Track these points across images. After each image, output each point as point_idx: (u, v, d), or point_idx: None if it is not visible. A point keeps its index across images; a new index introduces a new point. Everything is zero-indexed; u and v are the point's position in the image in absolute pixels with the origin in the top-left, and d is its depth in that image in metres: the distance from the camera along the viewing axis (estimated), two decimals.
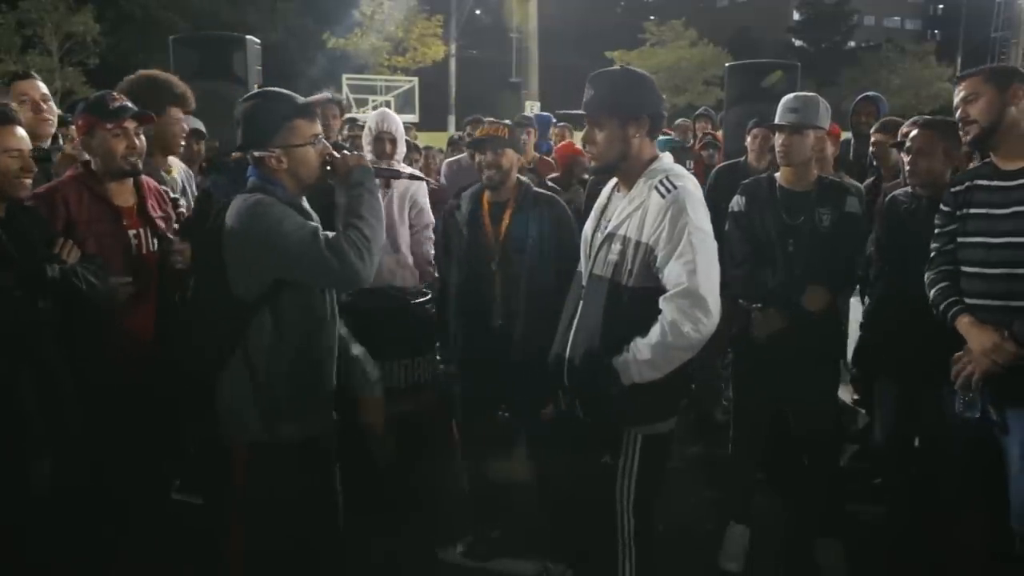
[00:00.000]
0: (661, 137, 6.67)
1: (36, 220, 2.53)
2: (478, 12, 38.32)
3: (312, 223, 2.19)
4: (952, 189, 2.66)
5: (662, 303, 2.21)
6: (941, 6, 53.00)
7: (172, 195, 3.04)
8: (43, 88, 3.15)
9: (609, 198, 2.53)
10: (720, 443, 3.79)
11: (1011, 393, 2.45)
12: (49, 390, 2.39)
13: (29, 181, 2.44)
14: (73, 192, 2.64)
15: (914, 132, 3.07)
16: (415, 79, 24.05)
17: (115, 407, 2.55)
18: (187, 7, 27.45)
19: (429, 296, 3.85)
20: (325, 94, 2.50)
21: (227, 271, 2.18)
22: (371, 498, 3.08)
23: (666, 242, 2.22)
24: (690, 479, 4.03)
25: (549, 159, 5.91)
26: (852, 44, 43.61)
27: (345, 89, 20.70)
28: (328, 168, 2.28)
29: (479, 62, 35.42)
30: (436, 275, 4.06)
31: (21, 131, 2.43)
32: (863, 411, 4.22)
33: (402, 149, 4.05)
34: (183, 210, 3.01)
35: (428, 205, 4.23)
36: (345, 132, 5.48)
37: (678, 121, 8.73)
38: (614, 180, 2.51)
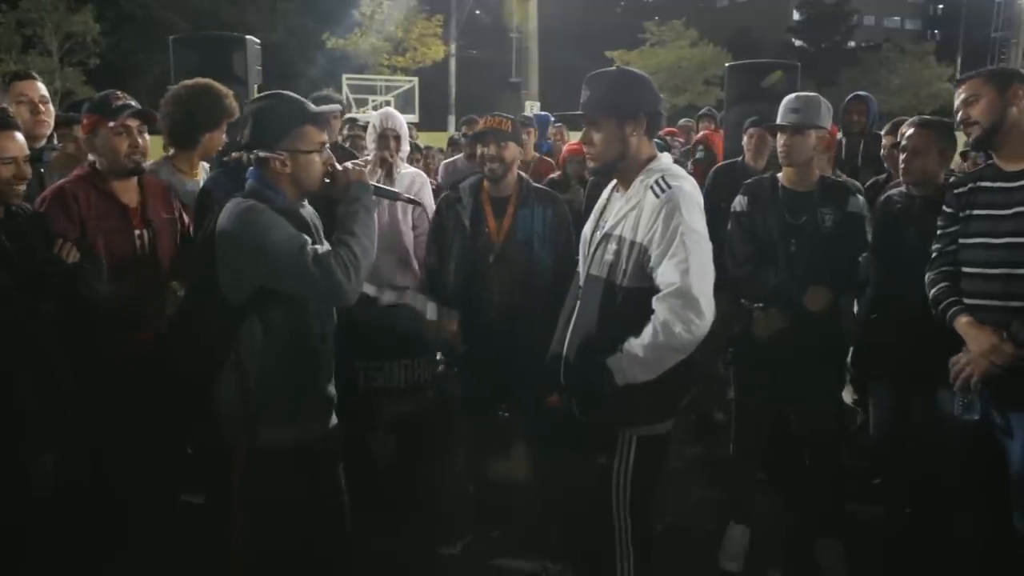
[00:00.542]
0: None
1: (36, 221, 2.53)
2: (478, 12, 38.34)
3: (302, 236, 2.15)
4: (955, 191, 2.66)
5: (655, 303, 2.20)
6: (941, 6, 53.02)
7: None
8: (42, 90, 3.15)
9: (609, 198, 2.53)
10: (720, 443, 3.79)
11: (1013, 396, 2.45)
12: (50, 389, 2.40)
13: (23, 187, 2.44)
14: (81, 191, 2.66)
15: (910, 132, 3.08)
16: (415, 79, 24.04)
17: (116, 407, 2.55)
18: (187, 7, 27.49)
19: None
20: (336, 105, 2.50)
21: (218, 275, 2.16)
22: (371, 498, 3.08)
23: (659, 242, 2.22)
24: (690, 479, 4.03)
25: (549, 159, 5.91)
26: (852, 44, 43.64)
27: (345, 89, 20.68)
28: (328, 180, 2.27)
29: (479, 62, 35.43)
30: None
31: (19, 137, 2.42)
32: (861, 411, 4.23)
33: (406, 147, 4.05)
34: None
35: (433, 204, 4.22)
36: (345, 132, 5.48)
37: (681, 121, 8.73)
38: (615, 180, 2.51)
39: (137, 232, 2.74)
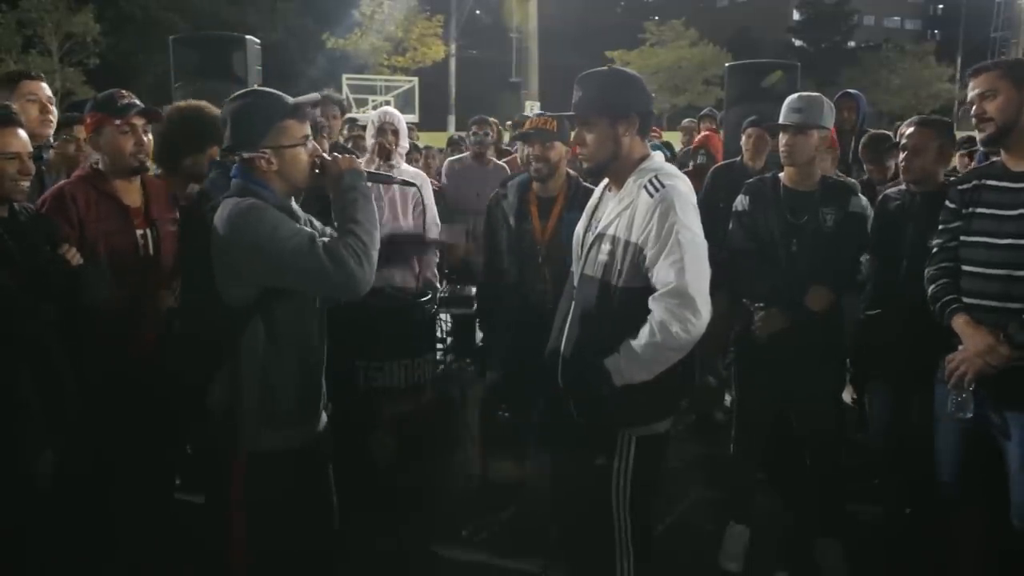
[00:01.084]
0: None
1: (39, 221, 2.53)
2: (478, 12, 38.34)
3: (307, 230, 2.12)
4: (959, 187, 2.62)
5: (651, 303, 2.20)
6: (941, 6, 53.01)
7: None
8: (48, 91, 3.15)
9: (600, 198, 2.52)
10: (720, 443, 3.79)
11: (1010, 395, 2.44)
12: (51, 389, 2.39)
13: (27, 184, 2.44)
14: (81, 191, 2.65)
15: (910, 130, 3.08)
16: (415, 79, 24.04)
17: (116, 406, 2.55)
18: (187, 7, 27.48)
19: (429, 296, 3.85)
20: (315, 94, 2.46)
21: (216, 278, 2.12)
22: (371, 497, 3.08)
23: (654, 241, 2.21)
24: (690, 479, 4.03)
25: None
26: (852, 44, 43.63)
27: (345, 89, 20.68)
28: (318, 171, 2.22)
29: (479, 62, 35.44)
30: (436, 282, 4.06)
31: (22, 133, 2.42)
32: (860, 410, 4.23)
33: (404, 144, 4.06)
34: None
35: (434, 204, 4.23)
36: (346, 132, 5.48)
37: (684, 122, 8.73)
38: (606, 180, 2.50)
39: (140, 232, 2.74)
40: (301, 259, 2.03)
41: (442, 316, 5.10)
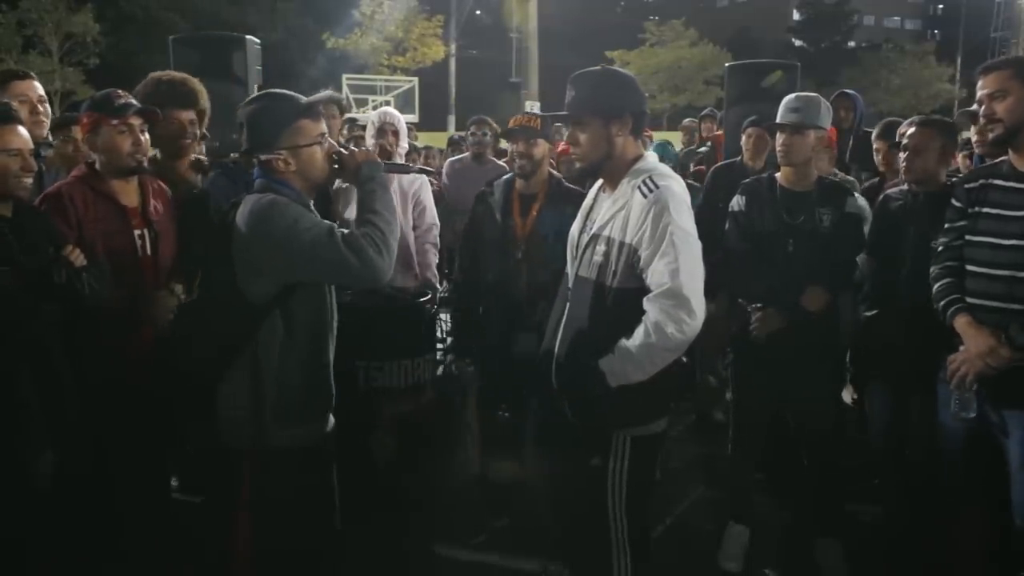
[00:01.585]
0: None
1: (42, 221, 2.53)
2: (478, 12, 38.33)
3: (327, 222, 2.15)
4: (966, 185, 2.61)
5: (646, 304, 2.20)
6: (941, 6, 52.98)
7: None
8: (40, 90, 3.14)
9: (595, 199, 2.52)
10: (720, 443, 3.79)
11: (1009, 396, 2.44)
12: (52, 389, 2.40)
13: (30, 180, 2.44)
14: (78, 192, 2.64)
15: (911, 130, 3.08)
16: (415, 79, 24.02)
17: (115, 406, 2.55)
18: (187, 7, 27.46)
19: (429, 296, 3.85)
20: (327, 92, 2.49)
21: (236, 274, 2.15)
22: (371, 498, 3.08)
23: (648, 242, 2.21)
24: (690, 479, 4.04)
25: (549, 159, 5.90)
26: (852, 44, 43.59)
27: (345, 89, 20.67)
28: (336, 166, 2.27)
29: (479, 62, 35.42)
30: (436, 282, 4.07)
31: (22, 130, 2.43)
32: (860, 410, 4.23)
33: (404, 144, 4.07)
34: None
35: (433, 204, 4.23)
36: (346, 132, 5.48)
37: (685, 121, 8.74)
38: (600, 181, 2.50)
39: (137, 232, 2.73)
40: (321, 249, 2.07)
41: (442, 316, 5.10)
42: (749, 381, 3.26)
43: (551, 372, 2.44)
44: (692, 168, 6.15)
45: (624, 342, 2.20)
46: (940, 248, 2.66)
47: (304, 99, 2.25)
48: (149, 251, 2.76)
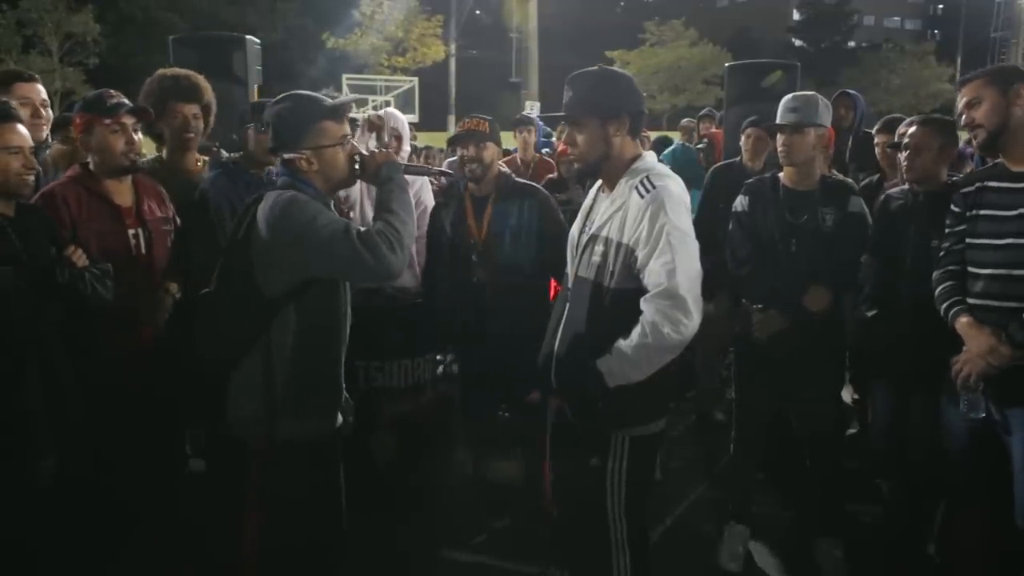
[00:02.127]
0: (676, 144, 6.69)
1: (44, 221, 2.53)
2: (478, 12, 38.33)
3: (343, 219, 2.21)
4: (962, 190, 2.65)
5: (642, 304, 2.20)
6: (941, 6, 53.00)
7: None
8: (43, 94, 3.14)
9: (594, 199, 2.52)
10: (720, 443, 3.79)
11: (1012, 394, 2.45)
12: (54, 389, 2.40)
13: (32, 178, 2.44)
14: (71, 192, 2.64)
15: (912, 129, 3.08)
16: (415, 79, 24.03)
17: (115, 406, 2.55)
18: (187, 7, 27.47)
19: None
20: (354, 95, 2.53)
21: (254, 267, 2.19)
22: (372, 498, 3.08)
23: (645, 242, 2.21)
24: (690, 479, 4.03)
25: (549, 159, 5.91)
26: (852, 44, 43.63)
27: (345, 89, 20.67)
28: (357, 167, 2.31)
29: (479, 62, 35.44)
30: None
31: (22, 129, 2.43)
32: (861, 410, 4.23)
33: (407, 148, 4.06)
34: None
35: (433, 205, 4.23)
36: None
37: (684, 121, 8.74)
38: (599, 181, 2.50)
39: (132, 232, 2.73)
40: (337, 245, 2.11)
41: None
42: (751, 381, 3.25)
43: (550, 372, 2.44)
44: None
45: (621, 343, 2.20)
46: (941, 253, 2.70)
47: (330, 101, 2.29)
48: (144, 250, 2.76)
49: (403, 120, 4.03)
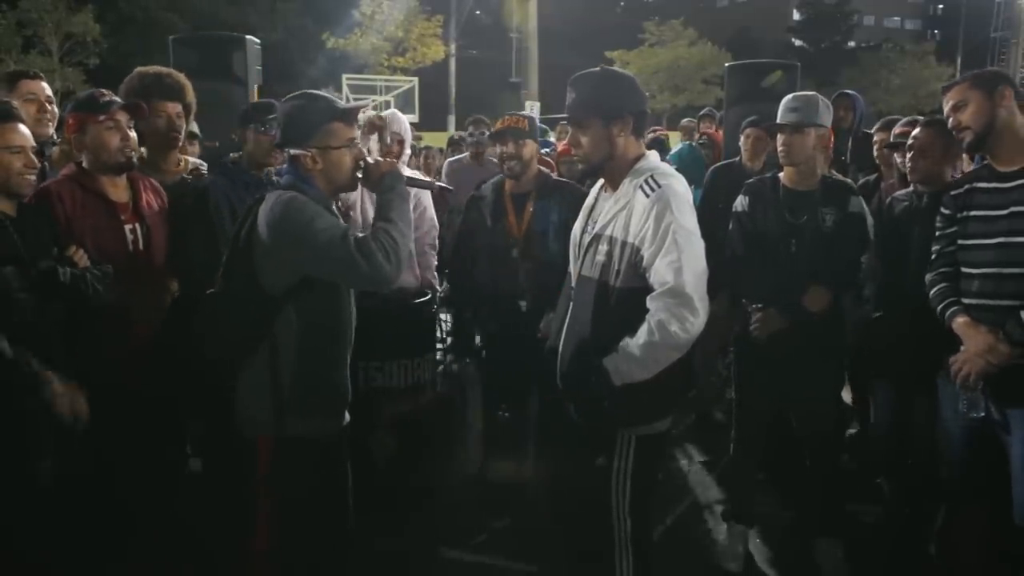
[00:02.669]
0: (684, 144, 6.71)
1: (46, 220, 2.53)
2: (478, 12, 38.31)
3: (342, 224, 2.23)
4: (952, 192, 2.68)
5: (649, 302, 2.20)
6: (941, 6, 52.96)
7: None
8: (48, 90, 3.15)
9: (596, 198, 2.52)
10: (720, 443, 3.79)
11: (1011, 393, 2.45)
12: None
13: (33, 177, 2.44)
14: (66, 190, 2.64)
15: (915, 131, 3.08)
16: (415, 79, 23.99)
17: (115, 405, 2.55)
18: (187, 8, 27.44)
19: (429, 296, 3.85)
20: (365, 101, 2.56)
21: (256, 268, 2.21)
22: (372, 498, 3.08)
23: (651, 241, 2.21)
24: (690, 479, 4.03)
25: (549, 159, 5.91)
26: (852, 44, 43.57)
27: (345, 89, 20.64)
28: (361, 174, 2.33)
29: (479, 62, 35.40)
30: (436, 283, 4.07)
31: (23, 128, 2.43)
32: (859, 411, 4.23)
33: (408, 150, 4.08)
34: None
35: (432, 208, 4.23)
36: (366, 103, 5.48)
37: (683, 121, 8.74)
38: (601, 180, 2.51)
39: (128, 227, 2.73)
40: (333, 250, 2.12)
41: (442, 316, 5.10)
42: (751, 381, 3.25)
43: (555, 372, 2.44)
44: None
45: (628, 341, 2.21)
46: (934, 255, 2.72)
47: (342, 103, 2.32)
48: (142, 246, 2.75)
49: (406, 123, 4.03)
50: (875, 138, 4.12)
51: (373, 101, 20.98)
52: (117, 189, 2.75)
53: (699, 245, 2.25)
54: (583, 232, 2.48)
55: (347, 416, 2.45)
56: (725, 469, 3.62)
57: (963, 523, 2.75)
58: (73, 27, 23.15)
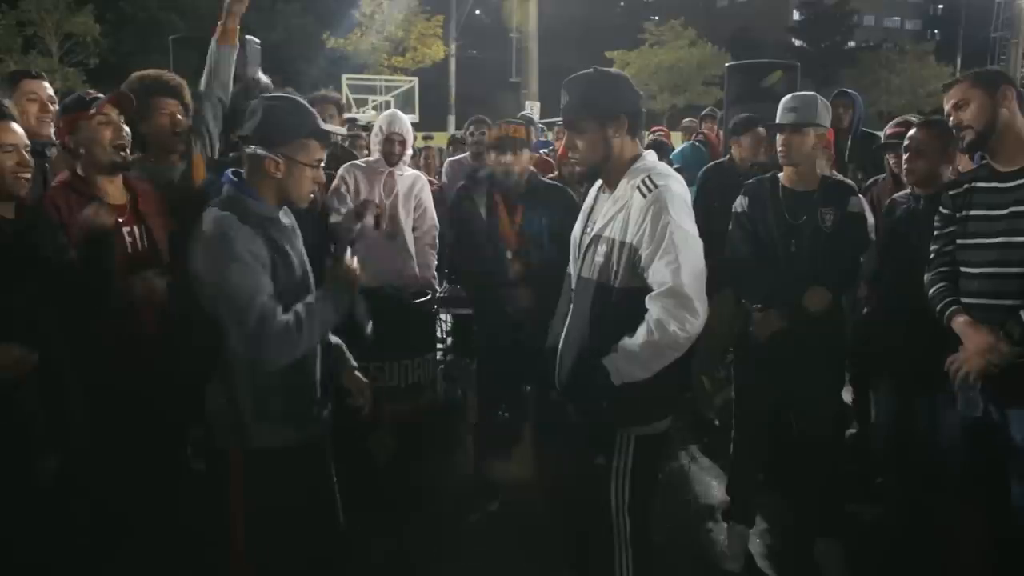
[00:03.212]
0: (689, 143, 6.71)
1: (46, 222, 2.52)
2: (478, 12, 38.30)
3: (259, 283, 2.08)
4: (950, 192, 2.68)
5: (648, 303, 2.20)
6: (941, 6, 52.95)
7: None
8: (50, 90, 3.15)
9: (595, 199, 2.52)
10: (720, 443, 3.80)
11: (1010, 392, 2.45)
12: (55, 390, 2.39)
13: (27, 177, 2.42)
14: (61, 195, 2.61)
15: (913, 132, 3.08)
16: (415, 79, 23.98)
17: (116, 408, 2.54)
18: (187, 8, 27.42)
19: (428, 296, 3.85)
20: (343, 130, 2.52)
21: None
22: (371, 497, 3.08)
23: (649, 242, 2.21)
24: (690, 479, 4.03)
25: (549, 159, 5.90)
26: (852, 44, 43.55)
27: (345, 89, 20.62)
28: (314, 195, 2.29)
29: (479, 62, 35.39)
30: (436, 283, 4.08)
31: (16, 127, 2.40)
32: (859, 411, 4.23)
33: (409, 151, 4.08)
34: None
35: (432, 206, 4.23)
36: (344, 131, 5.47)
37: (685, 121, 8.74)
38: (599, 181, 2.50)
39: (127, 229, 2.72)
40: (231, 303, 2.04)
41: (442, 316, 5.10)
42: (751, 381, 3.25)
43: (555, 372, 2.44)
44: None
45: (627, 341, 2.21)
46: (932, 255, 2.71)
47: (322, 123, 2.24)
48: (141, 247, 2.74)
49: (407, 123, 4.04)
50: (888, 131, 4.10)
51: (373, 101, 21.00)
52: (113, 191, 2.72)
53: (697, 245, 2.24)
54: (583, 233, 2.48)
55: (326, 419, 2.38)
56: (725, 469, 3.62)
57: (963, 523, 2.75)
58: (73, 27, 23.13)
